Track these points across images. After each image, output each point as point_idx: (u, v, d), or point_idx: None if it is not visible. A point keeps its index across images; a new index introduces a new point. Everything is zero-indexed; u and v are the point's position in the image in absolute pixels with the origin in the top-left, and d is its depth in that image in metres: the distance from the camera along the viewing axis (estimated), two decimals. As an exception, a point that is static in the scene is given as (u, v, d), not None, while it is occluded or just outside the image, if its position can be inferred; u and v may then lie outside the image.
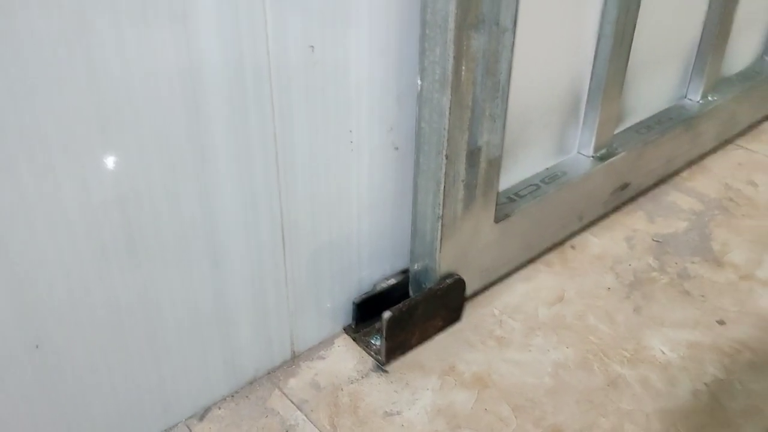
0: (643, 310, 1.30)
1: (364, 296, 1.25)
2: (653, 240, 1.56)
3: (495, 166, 1.19)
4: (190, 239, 0.86)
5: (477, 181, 1.17)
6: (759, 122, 1.98)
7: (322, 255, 1.16)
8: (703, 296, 1.31)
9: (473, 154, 1.13)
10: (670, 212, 1.60)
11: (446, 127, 1.05)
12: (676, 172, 1.74)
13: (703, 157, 1.80)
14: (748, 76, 1.88)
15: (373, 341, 1.26)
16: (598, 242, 1.51)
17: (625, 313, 1.28)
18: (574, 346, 1.19)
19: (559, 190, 1.35)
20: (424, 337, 1.27)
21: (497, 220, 1.27)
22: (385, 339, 1.19)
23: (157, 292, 0.85)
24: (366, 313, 1.27)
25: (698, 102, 1.71)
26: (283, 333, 1.18)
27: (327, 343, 1.27)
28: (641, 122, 1.61)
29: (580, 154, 1.47)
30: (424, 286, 1.26)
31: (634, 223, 1.57)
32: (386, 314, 1.17)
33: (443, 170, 1.10)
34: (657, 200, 1.65)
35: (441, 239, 1.19)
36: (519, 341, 1.25)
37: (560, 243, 1.49)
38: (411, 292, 1.29)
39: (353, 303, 1.25)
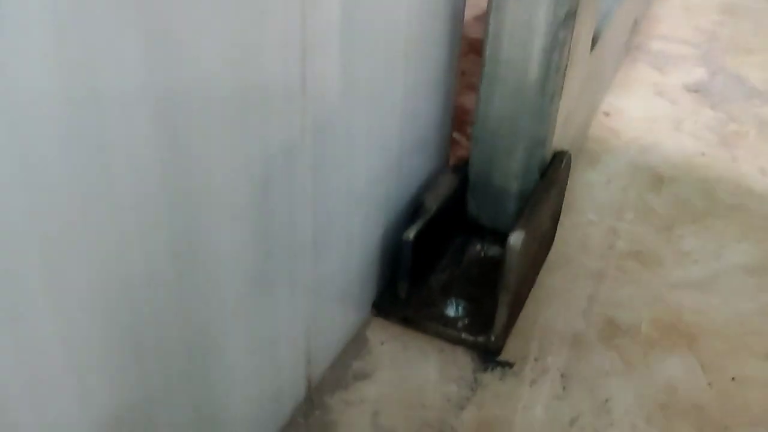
0: None
1: (415, 228, 0.61)
2: (689, 91, 1.10)
3: None
4: None
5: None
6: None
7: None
8: None
9: None
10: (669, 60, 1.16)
11: None
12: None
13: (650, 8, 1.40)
14: None
15: (448, 312, 0.63)
16: (633, 104, 1.03)
17: None
18: None
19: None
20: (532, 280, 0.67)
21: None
22: (506, 295, 0.57)
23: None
24: (418, 261, 0.63)
25: None
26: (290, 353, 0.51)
27: (356, 343, 0.61)
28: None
29: None
30: (524, 176, 0.65)
31: (649, 77, 1.10)
32: (515, 237, 0.55)
33: None
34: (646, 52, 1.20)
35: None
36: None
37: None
38: (472, 201, 0.67)
39: (404, 240, 0.60)
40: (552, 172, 0.64)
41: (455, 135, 0.84)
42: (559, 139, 0.68)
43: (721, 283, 0.71)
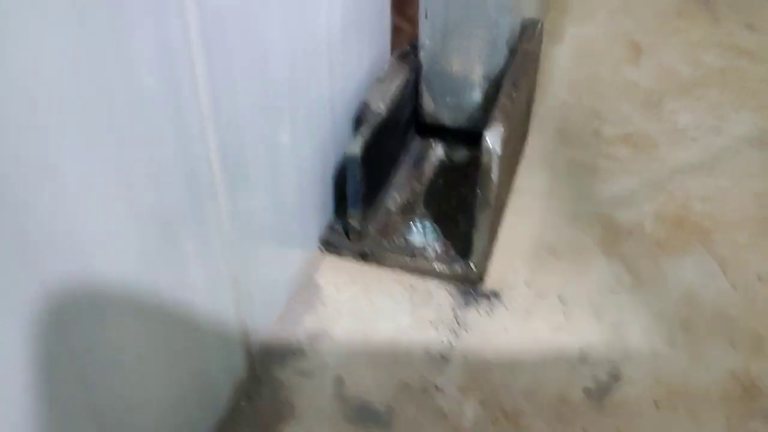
0: None
1: (360, 139, 0.47)
2: None
3: None
4: None
5: None
6: None
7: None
8: None
9: None
10: None
11: None
12: None
13: None
14: None
15: (414, 239, 0.50)
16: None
17: None
18: None
19: None
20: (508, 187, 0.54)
21: None
22: (486, 211, 0.44)
23: None
24: (370, 180, 0.50)
25: None
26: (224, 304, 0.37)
27: (305, 293, 0.48)
28: None
29: None
30: (489, 56, 0.52)
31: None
32: (492, 136, 0.42)
33: None
34: None
35: None
36: None
37: None
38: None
39: (349, 157, 0.47)
40: (523, 47, 0.51)
41: (395, 19, 0.69)
42: (527, 3, 0.54)
43: (726, 163, 0.60)
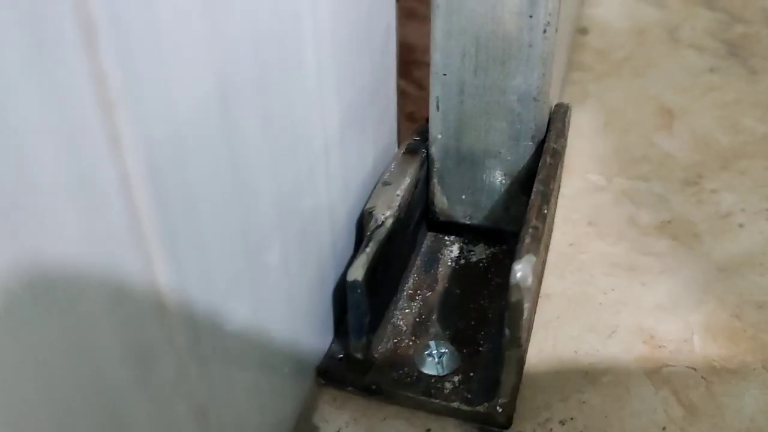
0: None
1: (363, 259, 0.40)
2: None
3: None
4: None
5: None
6: None
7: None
8: None
9: None
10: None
11: None
12: None
13: None
14: None
15: (428, 369, 0.43)
16: (614, 13, 0.81)
17: None
18: None
19: None
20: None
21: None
22: (515, 350, 0.37)
23: None
24: (375, 301, 0.43)
25: None
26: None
27: (301, 433, 0.41)
28: None
29: None
30: (513, 145, 0.45)
31: None
32: (522, 269, 0.35)
33: None
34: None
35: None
36: None
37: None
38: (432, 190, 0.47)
39: (350, 283, 0.40)
40: (554, 140, 0.44)
41: (400, 83, 0.62)
42: (556, 87, 0.47)
43: (779, 254, 0.53)
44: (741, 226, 0.56)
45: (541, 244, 0.38)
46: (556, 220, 0.55)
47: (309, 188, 0.38)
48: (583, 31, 0.81)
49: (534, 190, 0.40)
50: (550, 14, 0.40)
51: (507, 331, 0.37)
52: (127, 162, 0.23)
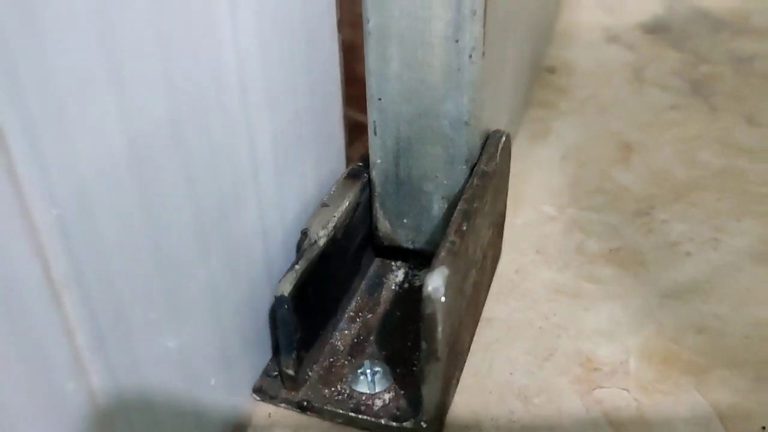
0: None
1: (292, 276, 0.41)
2: (645, 32, 0.93)
3: None
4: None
5: None
6: None
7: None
8: None
9: None
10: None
11: None
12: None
13: None
14: None
15: (361, 387, 0.44)
16: (582, 55, 0.84)
17: None
18: None
19: None
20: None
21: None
22: (433, 364, 0.38)
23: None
24: (307, 319, 0.44)
25: None
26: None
27: (231, 448, 0.42)
28: None
29: None
30: (447, 171, 0.46)
31: (597, 19, 0.92)
32: (434, 282, 0.36)
33: None
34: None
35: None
36: None
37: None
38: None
39: (277, 299, 0.41)
40: (480, 168, 0.45)
41: (352, 113, 0.62)
42: (491, 113, 0.49)
43: (725, 284, 0.53)
44: (688, 254, 0.56)
45: (459, 259, 0.39)
46: (504, 247, 0.56)
47: (235, 214, 0.40)
48: (550, 70, 0.84)
49: (458, 208, 0.42)
50: (476, 39, 0.42)
51: (423, 344, 0.38)
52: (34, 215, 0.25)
